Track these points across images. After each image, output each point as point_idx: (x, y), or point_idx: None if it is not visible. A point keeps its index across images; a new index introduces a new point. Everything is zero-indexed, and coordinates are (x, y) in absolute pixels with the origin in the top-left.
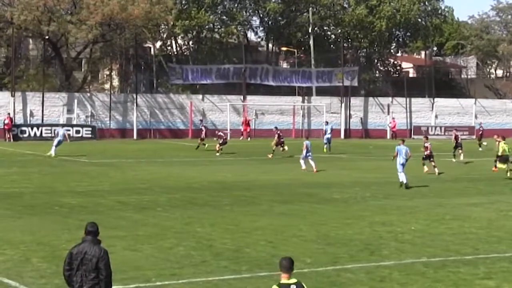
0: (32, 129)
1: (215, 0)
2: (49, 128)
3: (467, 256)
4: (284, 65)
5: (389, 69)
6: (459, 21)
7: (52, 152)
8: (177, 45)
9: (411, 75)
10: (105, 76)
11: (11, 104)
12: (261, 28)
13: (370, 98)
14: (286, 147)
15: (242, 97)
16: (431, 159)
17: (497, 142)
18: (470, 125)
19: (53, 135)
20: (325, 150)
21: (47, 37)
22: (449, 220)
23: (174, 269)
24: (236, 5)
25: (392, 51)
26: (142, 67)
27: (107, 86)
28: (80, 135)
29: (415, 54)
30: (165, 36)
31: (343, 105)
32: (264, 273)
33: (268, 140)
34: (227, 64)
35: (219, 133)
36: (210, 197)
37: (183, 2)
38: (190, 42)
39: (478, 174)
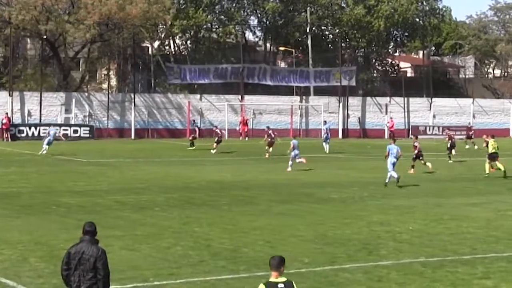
0: (30, 128)
1: None
2: (47, 128)
3: (465, 256)
4: (282, 64)
5: (387, 68)
6: (457, 21)
7: (43, 151)
8: (175, 44)
9: (409, 74)
10: (103, 75)
11: (9, 104)
12: (259, 28)
13: (368, 98)
14: (270, 149)
15: (240, 97)
16: (421, 158)
17: (485, 142)
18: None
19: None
20: (325, 150)
21: (45, 36)
22: (447, 220)
23: (172, 268)
24: (234, 4)
25: (390, 50)
26: (140, 67)
27: (105, 85)
28: (78, 134)
29: (413, 53)
30: (163, 35)
31: (341, 104)
32: (262, 273)
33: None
34: (225, 64)
35: (216, 130)
36: (208, 197)
37: (181, 1)
38: (188, 42)
39: (476, 174)
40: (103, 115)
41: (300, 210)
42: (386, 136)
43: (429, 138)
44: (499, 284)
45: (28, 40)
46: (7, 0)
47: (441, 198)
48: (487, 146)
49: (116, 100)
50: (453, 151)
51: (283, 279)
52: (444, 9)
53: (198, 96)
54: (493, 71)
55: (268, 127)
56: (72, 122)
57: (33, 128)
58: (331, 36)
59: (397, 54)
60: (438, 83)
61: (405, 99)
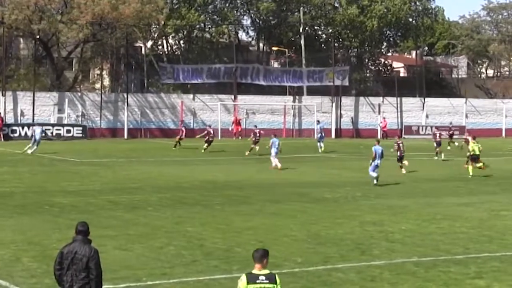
0: (22, 128)
1: None
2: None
3: (457, 255)
4: (275, 64)
5: (380, 68)
6: (450, 21)
7: (30, 150)
8: (168, 44)
9: (402, 74)
10: (96, 75)
11: (1, 104)
12: (252, 28)
13: (361, 98)
14: (257, 147)
15: (233, 97)
16: (402, 160)
17: (465, 140)
18: (461, 125)
19: (44, 134)
20: (320, 150)
21: (38, 36)
22: (440, 219)
23: (165, 268)
24: (227, 4)
25: (383, 50)
26: (133, 67)
27: (98, 85)
28: (71, 134)
29: (406, 53)
30: (156, 35)
31: (334, 104)
32: None
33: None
34: (218, 64)
35: (208, 129)
36: (201, 196)
37: (174, 1)
38: (181, 42)
39: (462, 173)
40: (96, 115)
41: (293, 210)
42: (379, 136)
43: (422, 138)
44: (492, 283)
45: (21, 40)
46: None
47: (433, 198)
48: (467, 144)
49: (109, 100)
50: (438, 149)
51: (266, 271)
52: (437, 9)
53: (191, 96)
54: (486, 71)
55: (255, 126)
56: (65, 122)
57: (26, 128)
58: (324, 36)
59: (390, 54)
60: (431, 83)
61: (398, 99)
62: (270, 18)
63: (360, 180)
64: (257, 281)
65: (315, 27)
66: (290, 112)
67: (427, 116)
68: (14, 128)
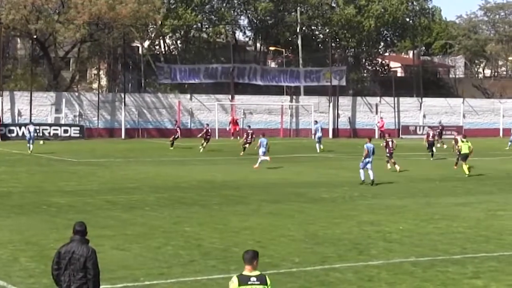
0: (20, 128)
1: None
2: (38, 127)
3: (455, 255)
4: (272, 64)
5: (377, 68)
6: (447, 20)
7: (29, 150)
8: (165, 44)
9: (399, 74)
10: (93, 75)
11: None
12: (249, 28)
13: (358, 98)
14: (247, 146)
15: (230, 97)
16: (392, 157)
17: (455, 141)
18: (458, 125)
19: (41, 134)
20: (318, 149)
21: (35, 36)
22: (437, 219)
23: (163, 268)
24: (224, 4)
25: (380, 50)
26: (130, 67)
27: (95, 85)
28: (68, 134)
29: (403, 53)
30: (153, 35)
31: (331, 104)
32: None
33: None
34: (215, 64)
35: (206, 127)
36: (199, 196)
37: (171, 1)
38: (178, 42)
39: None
40: (93, 115)
41: (290, 210)
42: (377, 136)
43: (420, 138)
44: (489, 283)
45: (18, 40)
46: None
47: (431, 198)
48: (456, 143)
49: (106, 100)
50: (434, 149)
51: (257, 273)
52: (434, 9)
53: (188, 96)
54: (483, 71)
55: (249, 126)
56: (62, 122)
57: (23, 128)
58: (321, 36)
59: (387, 54)
60: (428, 83)
61: (395, 99)
62: (267, 18)
63: (358, 180)
64: (249, 283)
65: (312, 27)
66: (287, 112)
67: (424, 116)
68: (11, 128)
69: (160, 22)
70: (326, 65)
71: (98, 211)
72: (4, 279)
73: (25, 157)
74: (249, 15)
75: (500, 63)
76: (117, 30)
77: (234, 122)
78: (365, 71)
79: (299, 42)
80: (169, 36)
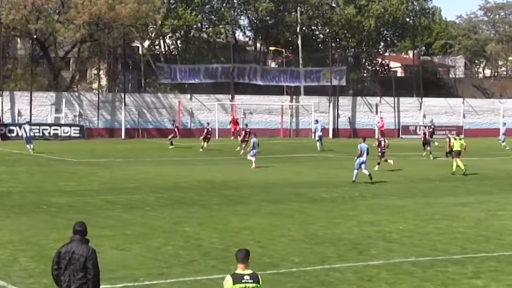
0: (20, 128)
1: None
2: (37, 127)
3: (455, 255)
4: (272, 64)
5: (377, 68)
6: (447, 20)
7: (30, 150)
8: (165, 44)
9: (399, 74)
10: (93, 75)
11: None
12: (249, 28)
13: (358, 98)
14: (243, 145)
15: (230, 97)
16: (383, 156)
17: (448, 139)
18: (458, 125)
19: (41, 134)
20: (318, 148)
21: (35, 36)
22: (437, 219)
23: (162, 268)
24: (224, 4)
25: (380, 50)
26: (130, 67)
27: (95, 85)
28: (68, 134)
29: (403, 53)
30: (153, 35)
31: (331, 104)
32: None
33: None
34: (215, 64)
35: (206, 126)
36: (199, 196)
37: (171, 1)
38: (178, 42)
39: (466, 173)
40: (93, 115)
41: (290, 210)
42: (376, 136)
43: (420, 138)
44: (489, 283)
45: (18, 40)
46: None
47: (431, 198)
48: (449, 142)
49: (106, 100)
50: (428, 148)
51: (249, 271)
52: (434, 9)
53: (188, 96)
54: (483, 71)
55: (246, 125)
56: (62, 122)
57: (23, 128)
58: (322, 36)
59: (387, 54)
60: (428, 83)
61: (395, 98)
62: (267, 18)
63: (358, 180)
64: (242, 281)
65: (312, 27)
66: (287, 112)
67: (424, 116)
68: (11, 128)
69: (160, 22)
70: (326, 65)
71: (98, 211)
72: (4, 279)
73: (25, 157)
74: (249, 15)
75: (500, 63)
76: (117, 30)
77: (235, 122)
78: (365, 71)
79: (299, 42)
80: (169, 36)
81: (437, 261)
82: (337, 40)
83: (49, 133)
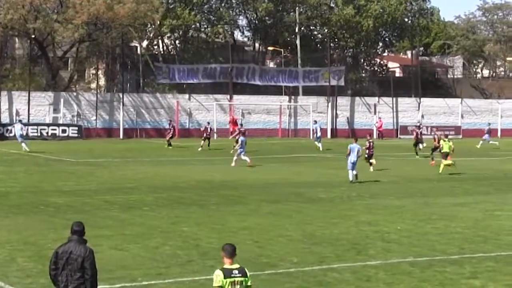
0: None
1: None
2: (35, 127)
3: (453, 255)
4: (271, 64)
5: (376, 68)
6: (446, 21)
7: (25, 147)
8: (164, 44)
9: (397, 74)
10: (91, 75)
11: None
12: (247, 28)
13: (357, 98)
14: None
15: (228, 97)
16: (371, 158)
17: (435, 140)
18: (457, 125)
19: (39, 134)
20: (319, 148)
21: (33, 36)
22: (435, 219)
23: (161, 268)
24: (222, 4)
25: (378, 51)
26: (129, 67)
27: (93, 85)
28: (66, 134)
29: (401, 54)
30: (151, 35)
31: (329, 104)
32: (250, 273)
33: (255, 139)
34: (213, 64)
35: (206, 126)
36: (197, 196)
37: (170, 1)
38: (177, 42)
39: (464, 174)
40: (91, 115)
41: (288, 210)
42: (375, 136)
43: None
44: (487, 283)
45: (16, 40)
46: None
47: (429, 198)
48: (438, 142)
49: (105, 100)
50: (421, 146)
51: (237, 265)
52: (432, 9)
53: (186, 96)
54: (482, 71)
55: (241, 125)
56: (61, 121)
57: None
58: (320, 36)
59: (385, 54)
60: (427, 83)
61: (394, 99)
62: (266, 18)
63: (354, 179)
64: (232, 275)
65: (311, 27)
66: (285, 112)
67: (422, 116)
68: (9, 127)
69: (158, 22)
70: (324, 65)
71: (96, 211)
72: (2, 279)
73: (23, 157)
74: (248, 15)
75: (498, 63)
76: (115, 30)
77: (234, 122)
78: (363, 71)
79: (298, 42)
80: (168, 36)
81: (435, 261)
82: (336, 40)
83: (47, 133)
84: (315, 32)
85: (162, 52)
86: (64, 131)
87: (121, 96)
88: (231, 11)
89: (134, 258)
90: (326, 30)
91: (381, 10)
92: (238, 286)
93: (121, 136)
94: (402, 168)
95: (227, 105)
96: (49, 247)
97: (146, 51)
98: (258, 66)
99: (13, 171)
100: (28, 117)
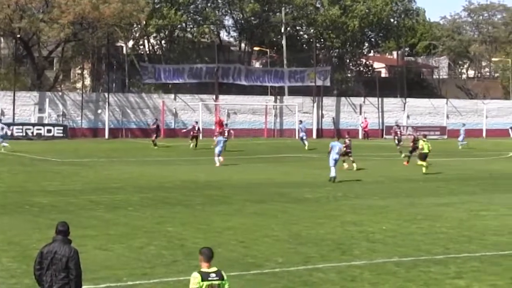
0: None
1: None
2: (21, 127)
3: (438, 255)
4: (257, 64)
5: (361, 69)
6: (431, 21)
7: (4, 144)
8: (150, 44)
9: (383, 75)
10: (77, 75)
11: None
12: (233, 28)
13: (342, 98)
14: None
15: (214, 97)
16: (350, 155)
17: (412, 141)
18: (442, 125)
19: (24, 134)
20: (306, 147)
21: (18, 35)
22: (420, 220)
23: (145, 268)
24: (208, 4)
25: (364, 51)
26: (114, 66)
27: (79, 85)
28: (51, 134)
29: (387, 54)
30: (137, 35)
31: (315, 104)
32: (236, 273)
33: (241, 139)
34: (199, 64)
35: (194, 125)
36: (182, 196)
37: (156, 1)
38: (163, 42)
39: (449, 174)
40: (77, 115)
41: (274, 210)
42: (360, 136)
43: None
44: (472, 283)
45: (2, 39)
46: None
47: (414, 198)
48: (413, 142)
49: (90, 100)
50: (397, 144)
51: (214, 268)
52: (418, 10)
53: (172, 96)
54: (467, 71)
55: (226, 125)
56: (46, 121)
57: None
58: (306, 37)
59: (371, 54)
60: (412, 83)
61: (379, 99)
62: (252, 18)
63: (341, 180)
64: (209, 278)
65: (297, 28)
66: (271, 112)
67: (408, 117)
68: None
69: (144, 22)
70: (310, 65)
71: (81, 211)
72: None
73: (7, 157)
74: (234, 15)
75: (484, 64)
76: (101, 30)
77: (220, 123)
78: (349, 71)
79: (284, 42)
80: (154, 36)
81: (420, 261)
82: (322, 40)
83: (33, 133)
84: (301, 32)
85: (148, 52)
86: (49, 131)
87: (106, 96)
88: (217, 11)
89: (119, 258)
90: (312, 30)
91: (367, 10)
92: None
93: (106, 136)
94: (387, 168)
95: (212, 105)
96: (33, 247)
97: (132, 51)
98: (244, 66)
99: None
100: (13, 117)
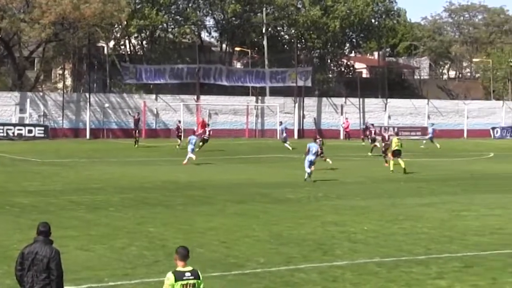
0: None
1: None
2: (1, 127)
3: (419, 256)
4: (238, 65)
5: (343, 69)
6: (412, 22)
7: None
8: (131, 44)
9: (364, 75)
10: (58, 75)
11: None
12: (214, 29)
13: (324, 99)
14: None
15: (195, 97)
16: (322, 156)
17: (381, 136)
18: (423, 126)
19: (5, 134)
20: (290, 148)
21: None
22: (402, 220)
23: (127, 269)
24: (190, 5)
25: (345, 51)
26: (95, 67)
27: (60, 85)
28: (32, 134)
29: (368, 54)
30: (118, 35)
31: (296, 105)
32: (218, 273)
33: (222, 140)
34: (180, 64)
35: (178, 124)
36: (163, 197)
37: (137, 1)
38: (144, 42)
39: (430, 174)
40: (58, 115)
41: (255, 210)
42: (341, 136)
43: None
44: (453, 284)
45: None
46: None
47: (396, 198)
48: (383, 141)
49: (71, 100)
50: (364, 142)
51: (190, 268)
52: (399, 10)
53: (153, 96)
54: (448, 72)
55: (208, 125)
56: (27, 122)
57: None
58: (287, 37)
59: (352, 55)
60: (393, 84)
61: (361, 99)
62: (233, 19)
63: (322, 180)
64: (184, 278)
65: (278, 28)
66: (252, 112)
67: (389, 117)
68: None
69: (125, 22)
70: (291, 66)
71: (62, 212)
72: None
73: None
74: (215, 15)
75: (465, 64)
76: (82, 30)
77: (203, 125)
78: (330, 72)
79: (265, 43)
80: (135, 36)
81: (402, 262)
82: (303, 41)
83: (13, 133)
84: (282, 33)
85: (129, 52)
86: (30, 131)
87: (87, 96)
88: (198, 12)
89: (100, 258)
90: (293, 31)
91: (348, 11)
92: None
93: (87, 136)
94: (368, 169)
95: (194, 105)
96: (14, 247)
97: (113, 51)
98: (225, 66)
99: None
100: None
